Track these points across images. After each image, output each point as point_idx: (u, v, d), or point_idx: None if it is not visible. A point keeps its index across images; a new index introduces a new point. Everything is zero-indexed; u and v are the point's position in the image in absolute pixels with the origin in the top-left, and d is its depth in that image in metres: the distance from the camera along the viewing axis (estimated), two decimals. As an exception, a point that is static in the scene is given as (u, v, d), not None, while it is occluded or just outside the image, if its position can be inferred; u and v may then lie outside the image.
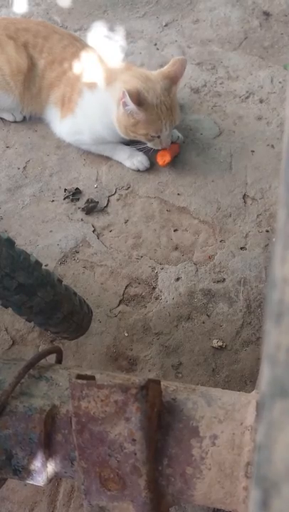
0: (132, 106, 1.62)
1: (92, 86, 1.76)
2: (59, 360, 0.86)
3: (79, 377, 0.69)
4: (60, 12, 2.28)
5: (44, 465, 0.73)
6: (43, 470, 0.73)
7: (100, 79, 1.75)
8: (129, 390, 0.66)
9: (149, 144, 1.74)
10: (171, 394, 0.74)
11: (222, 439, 0.70)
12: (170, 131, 1.72)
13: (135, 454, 0.68)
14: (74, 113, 1.79)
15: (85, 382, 0.67)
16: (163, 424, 0.71)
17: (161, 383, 0.74)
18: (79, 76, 1.79)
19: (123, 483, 0.69)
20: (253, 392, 0.76)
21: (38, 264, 0.91)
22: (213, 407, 0.73)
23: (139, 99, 1.62)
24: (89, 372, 0.76)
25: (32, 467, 0.74)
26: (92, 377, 0.71)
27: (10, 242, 0.85)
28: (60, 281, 0.98)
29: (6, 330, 1.51)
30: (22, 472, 0.74)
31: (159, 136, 1.71)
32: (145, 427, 0.67)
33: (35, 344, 1.50)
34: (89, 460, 0.69)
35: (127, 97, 1.60)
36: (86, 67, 1.79)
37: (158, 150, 1.78)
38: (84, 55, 1.81)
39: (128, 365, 1.47)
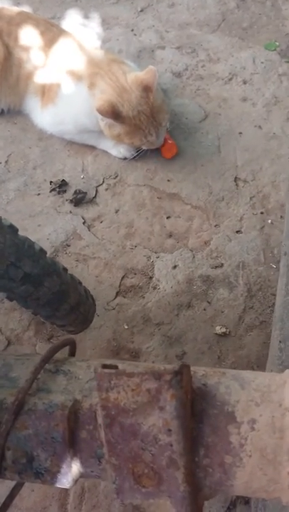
0: (108, 120, 1.60)
1: (74, 76, 1.70)
2: (72, 353, 0.81)
3: (104, 366, 0.63)
4: (31, 1, 2.21)
5: (69, 465, 0.68)
6: (68, 471, 0.68)
7: (82, 72, 1.69)
8: (163, 377, 0.60)
9: (143, 147, 1.70)
10: (201, 379, 0.69)
11: (261, 423, 0.65)
12: (158, 133, 1.67)
13: (171, 445, 0.62)
14: (55, 103, 1.72)
15: (113, 371, 0.61)
16: (196, 411, 0.66)
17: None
18: (58, 65, 1.72)
19: (159, 479, 0.63)
20: (287, 371, 0.71)
21: (42, 252, 0.85)
22: (247, 390, 0.68)
23: (114, 113, 1.58)
24: (109, 362, 0.71)
25: (56, 469, 0.68)
26: (116, 367, 0.66)
27: (13, 229, 0.79)
28: (65, 270, 0.92)
29: (0, 330, 1.45)
30: (45, 475, 0.68)
31: (147, 141, 1.67)
32: (181, 416, 0.62)
33: (32, 343, 1.43)
34: (120, 456, 0.64)
35: (104, 113, 1.58)
36: (66, 54, 1.73)
37: (161, 148, 1.75)
38: (62, 41, 1.75)
39: (130, 359, 1.42)
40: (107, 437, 0.64)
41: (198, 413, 0.67)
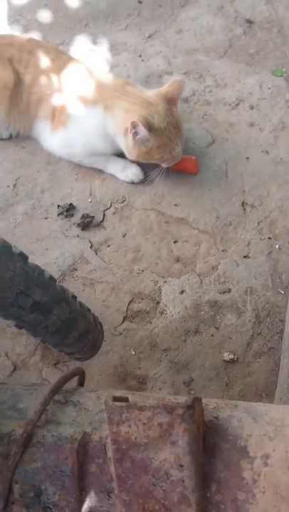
0: (144, 133, 1.60)
1: (86, 101, 1.72)
2: (81, 383, 0.80)
3: (115, 399, 0.62)
4: (40, 27, 2.24)
5: (78, 500, 0.66)
6: (76, 506, 0.66)
7: (95, 96, 1.71)
8: (175, 411, 0.59)
9: (164, 164, 1.70)
10: (213, 412, 0.68)
11: (275, 459, 0.64)
12: (181, 146, 1.70)
13: (183, 481, 0.61)
14: (66, 126, 1.74)
15: (124, 404, 0.60)
16: (208, 445, 0.65)
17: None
18: (69, 89, 1.74)
19: (170, 515, 0.62)
20: (300, 404, 0.70)
21: (52, 279, 0.85)
22: (260, 424, 0.67)
23: (149, 126, 1.60)
24: (119, 394, 0.70)
25: (64, 503, 0.67)
26: (126, 399, 0.65)
27: (23, 257, 0.78)
28: (74, 297, 0.92)
29: (7, 355, 1.44)
30: (53, 509, 0.67)
31: (172, 156, 1.68)
32: (193, 451, 0.61)
33: (38, 368, 1.42)
34: (131, 491, 0.63)
35: (140, 126, 1.58)
36: (77, 80, 1.75)
37: (184, 164, 1.76)
38: (72, 67, 1.77)
39: (137, 385, 1.40)
40: (118, 472, 0.63)
41: (211, 447, 0.65)
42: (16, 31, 2.20)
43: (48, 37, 2.19)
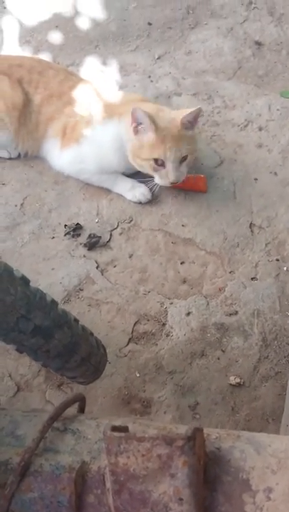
0: (145, 123, 1.60)
1: (102, 115, 1.74)
2: (82, 409, 0.78)
3: (113, 429, 0.61)
4: (51, 48, 2.26)
5: (75, 532, 0.65)
6: (74, 538, 0.65)
7: (110, 111, 1.73)
8: (175, 442, 0.58)
9: (156, 178, 1.68)
10: (215, 442, 0.67)
11: (278, 492, 0.62)
12: (176, 161, 1.65)
13: (183, 515, 0.59)
14: (78, 143, 1.75)
15: (122, 435, 0.59)
16: (209, 477, 0.64)
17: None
18: (82, 108, 1.76)
19: None
20: (305, 436, 0.68)
21: (54, 303, 0.84)
22: (263, 456, 0.65)
23: (149, 116, 1.61)
24: (119, 422, 0.69)
25: (61, 535, 0.65)
26: (125, 428, 0.63)
27: (24, 281, 0.78)
28: (76, 321, 0.91)
29: (10, 375, 1.43)
30: None
31: (164, 166, 1.65)
32: (193, 484, 0.59)
33: (42, 390, 1.41)
34: (129, 524, 0.61)
35: (140, 112, 1.59)
36: (88, 99, 1.77)
37: (194, 183, 1.77)
38: (83, 88, 1.79)
39: (142, 408, 1.39)
40: (116, 504, 0.62)
41: (212, 480, 0.64)
42: (26, 52, 2.23)
43: (58, 58, 2.22)
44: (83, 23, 2.34)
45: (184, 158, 1.66)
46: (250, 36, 2.29)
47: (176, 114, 1.68)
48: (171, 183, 1.68)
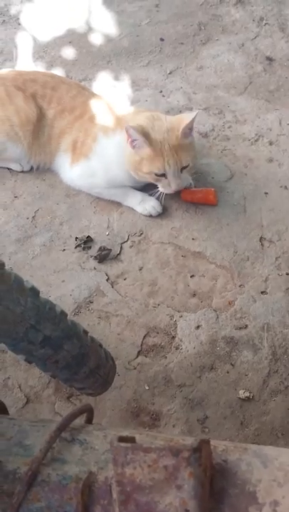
0: (138, 139, 1.61)
1: (106, 131, 1.75)
2: (89, 420, 0.79)
3: (120, 439, 0.61)
4: (64, 64, 2.30)
5: None
6: None
7: (114, 124, 1.75)
8: (181, 453, 0.58)
9: (160, 187, 1.71)
10: (222, 455, 0.67)
11: (284, 506, 0.62)
12: (176, 171, 1.67)
13: (189, 527, 0.59)
14: (88, 157, 1.77)
15: (129, 445, 0.59)
16: (216, 489, 0.64)
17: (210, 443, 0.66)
18: (92, 122, 1.78)
19: None
20: (312, 449, 0.68)
21: (63, 314, 0.85)
22: (270, 469, 0.65)
23: (144, 132, 1.62)
24: (126, 433, 0.69)
25: None
26: (132, 439, 0.64)
27: (34, 292, 0.79)
28: (86, 332, 0.91)
29: (20, 387, 1.43)
30: None
31: (165, 176, 1.67)
32: (199, 495, 0.59)
33: (51, 401, 1.41)
34: (135, 536, 0.61)
35: (131, 130, 1.60)
36: (98, 113, 1.79)
37: (204, 196, 1.78)
38: (94, 102, 1.81)
39: (151, 421, 1.39)
40: (122, 515, 0.62)
41: (218, 492, 0.64)
42: (40, 67, 2.26)
43: (71, 73, 2.25)
44: (96, 39, 2.38)
45: (184, 167, 1.68)
46: (261, 52, 2.31)
47: (174, 122, 1.68)
48: (174, 191, 1.71)
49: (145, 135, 1.62)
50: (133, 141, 1.63)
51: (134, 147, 1.65)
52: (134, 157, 1.66)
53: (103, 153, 1.76)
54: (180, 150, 1.67)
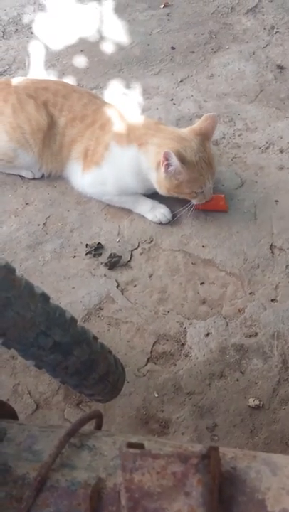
0: (176, 165, 1.62)
1: (120, 141, 1.76)
2: (99, 426, 0.79)
3: (129, 445, 0.61)
4: (75, 72, 2.32)
5: None
6: None
7: (129, 136, 1.76)
8: (190, 460, 0.58)
9: (194, 201, 1.73)
10: (230, 462, 0.67)
11: (293, 515, 0.62)
12: (212, 183, 1.73)
13: (197, 534, 0.59)
14: (99, 165, 1.78)
15: (138, 451, 0.60)
16: (224, 497, 0.63)
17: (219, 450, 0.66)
18: (104, 131, 1.79)
19: None
20: None
21: (73, 320, 0.85)
22: (279, 477, 0.65)
23: (181, 157, 1.63)
24: (135, 439, 0.69)
25: None
26: (141, 445, 0.64)
27: (44, 297, 0.79)
28: (95, 338, 0.92)
29: (30, 393, 1.44)
30: None
31: (202, 192, 1.71)
32: (207, 502, 0.59)
33: (61, 408, 1.42)
34: None
35: (173, 156, 1.60)
36: (110, 122, 1.80)
37: (215, 203, 1.80)
38: (105, 111, 1.82)
39: (160, 428, 1.38)
40: (130, 521, 0.62)
41: (227, 499, 0.64)
42: (52, 76, 2.28)
43: (82, 81, 2.27)
44: (107, 48, 2.40)
45: None
46: (272, 60, 2.32)
47: (200, 134, 1.71)
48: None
49: (183, 161, 1.63)
50: (168, 165, 1.64)
51: (167, 172, 1.65)
52: (172, 182, 1.68)
53: (115, 161, 1.77)
54: (212, 160, 1.71)
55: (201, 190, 1.70)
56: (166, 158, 1.62)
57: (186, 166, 1.64)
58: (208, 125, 1.73)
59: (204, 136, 1.71)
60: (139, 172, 1.75)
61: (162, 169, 1.65)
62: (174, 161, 1.62)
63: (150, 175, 1.73)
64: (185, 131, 1.75)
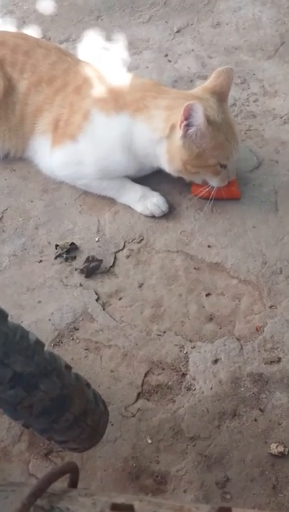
0: (199, 125, 1.63)
1: (105, 108, 1.77)
2: (74, 483, 0.79)
3: (114, 507, 0.61)
4: (40, 20, 2.32)
5: None
6: None
7: (117, 101, 1.77)
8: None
9: (215, 181, 1.74)
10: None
11: None
12: (237, 155, 1.75)
13: None
14: (75, 139, 1.78)
15: (125, 516, 0.59)
16: None
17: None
18: (81, 95, 1.79)
19: None
20: None
21: (39, 344, 0.85)
22: None
23: (206, 117, 1.64)
24: (122, 500, 0.69)
25: None
26: (130, 507, 0.64)
27: (1, 316, 0.79)
28: (69, 368, 0.92)
29: (-17, 441, 1.44)
30: None
31: (225, 166, 1.72)
32: None
33: (24, 460, 1.41)
34: None
35: (199, 111, 1.61)
36: (89, 84, 1.80)
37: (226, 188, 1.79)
38: (81, 70, 1.83)
39: (155, 485, 1.38)
40: None
41: None
42: (9, 25, 2.29)
43: (49, 32, 2.27)
44: (82, -12, 2.41)
45: None
46: (297, 3, 2.34)
47: (214, 92, 1.73)
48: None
49: (208, 120, 1.64)
50: (188, 127, 1.64)
51: (187, 136, 1.65)
52: (191, 150, 1.68)
53: (98, 134, 1.77)
54: (234, 125, 1.75)
55: (227, 161, 1.71)
56: (187, 116, 1.62)
57: (211, 127, 1.65)
58: (223, 82, 1.74)
59: (219, 97, 1.73)
60: (131, 147, 1.75)
61: (180, 132, 1.65)
62: (199, 119, 1.62)
63: (151, 149, 1.74)
64: (196, 90, 1.77)
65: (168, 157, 1.72)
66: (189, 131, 1.64)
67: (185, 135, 1.65)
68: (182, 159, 1.70)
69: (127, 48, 2.23)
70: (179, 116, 1.63)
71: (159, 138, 1.71)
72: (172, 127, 1.68)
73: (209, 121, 1.64)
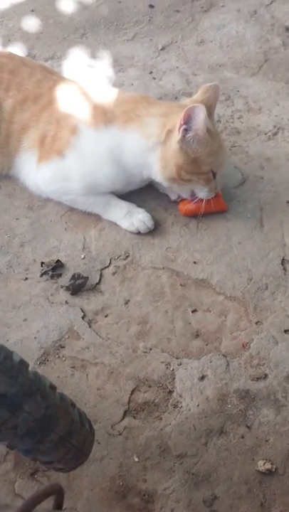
0: (198, 128, 1.66)
1: (93, 122, 1.78)
2: (59, 504, 0.78)
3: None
4: (25, 38, 2.33)
5: None
6: None
7: (106, 115, 1.78)
8: None
9: (203, 192, 1.76)
10: None
11: None
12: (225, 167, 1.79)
13: None
14: (62, 154, 1.78)
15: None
16: None
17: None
18: (68, 112, 1.80)
19: None
20: None
21: (23, 364, 0.84)
22: None
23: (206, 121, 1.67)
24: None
25: None
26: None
27: (-16, 336, 0.79)
28: (53, 387, 0.91)
29: None
30: None
31: (215, 176, 1.74)
32: None
33: (9, 480, 1.40)
34: None
35: (201, 113, 1.64)
36: (74, 101, 1.81)
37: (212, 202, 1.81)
38: (66, 88, 1.83)
39: (142, 504, 1.38)
40: None
41: None
42: (-6, 43, 2.30)
43: (34, 50, 2.28)
44: (66, 6, 2.42)
45: None
46: (280, 21, 2.36)
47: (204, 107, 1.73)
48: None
49: (207, 125, 1.68)
50: (187, 131, 1.66)
51: (184, 139, 1.67)
52: (187, 155, 1.70)
53: (86, 148, 1.78)
54: (221, 139, 1.78)
55: (218, 169, 1.74)
56: (187, 119, 1.65)
57: (208, 133, 1.68)
58: (210, 97, 1.77)
59: (207, 111, 1.73)
60: (121, 159, 1.76)
61: (178, 136, 1.67)
62: (199, 123, 1.65)
63: (142, 158, 1.75)
64: (186, 103, 1.78)
65: (161, 164, 1.74)
66: (187, 135, 1.67)
67: (183, 139, 1.67)
68: (177, 164, 1.71)
69: (111, 66, 2.24)
70: (175, 122, 1.67)
71: (153, 144, 1.73)
72: (168, 132, 1.70)
73: (206, 127, 1.67)
